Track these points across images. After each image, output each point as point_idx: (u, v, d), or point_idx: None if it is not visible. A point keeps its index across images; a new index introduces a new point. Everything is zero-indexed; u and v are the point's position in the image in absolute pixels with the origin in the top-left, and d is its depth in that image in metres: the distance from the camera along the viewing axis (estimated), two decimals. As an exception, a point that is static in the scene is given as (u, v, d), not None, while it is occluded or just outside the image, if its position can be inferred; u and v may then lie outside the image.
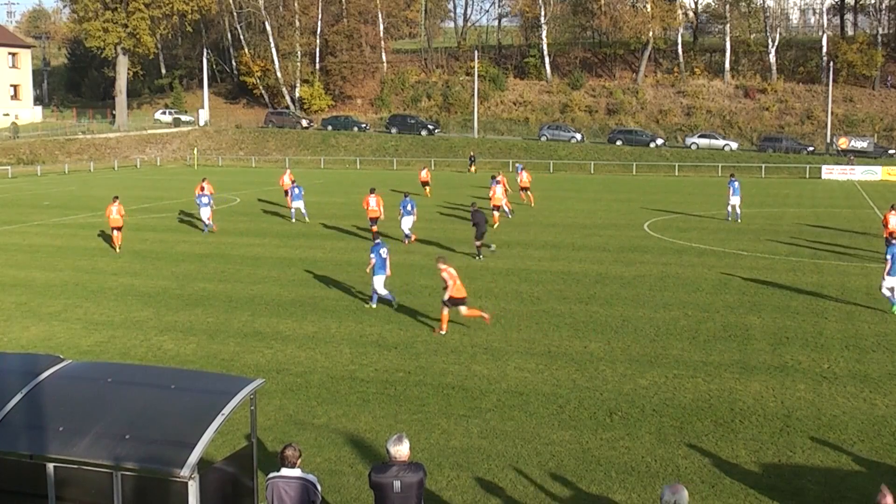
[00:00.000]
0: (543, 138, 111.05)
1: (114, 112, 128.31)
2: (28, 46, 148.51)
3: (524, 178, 63.57)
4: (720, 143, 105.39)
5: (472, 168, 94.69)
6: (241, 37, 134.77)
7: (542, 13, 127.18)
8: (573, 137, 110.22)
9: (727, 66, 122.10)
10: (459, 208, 59.50)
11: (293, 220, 53.60)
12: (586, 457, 17.60)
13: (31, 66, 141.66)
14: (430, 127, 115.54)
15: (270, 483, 12.02)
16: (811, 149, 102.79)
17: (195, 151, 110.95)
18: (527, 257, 40.31)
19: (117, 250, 43.22)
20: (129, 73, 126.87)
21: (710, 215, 55.56)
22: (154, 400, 12.55)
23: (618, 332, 27.04)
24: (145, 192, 70.74)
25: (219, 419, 11.80)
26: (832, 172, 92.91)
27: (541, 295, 32.39)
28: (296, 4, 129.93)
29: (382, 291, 30.53)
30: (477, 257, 40.50)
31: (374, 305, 30.65)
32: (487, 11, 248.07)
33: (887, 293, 30.30)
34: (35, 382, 12.98)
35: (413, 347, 25.62)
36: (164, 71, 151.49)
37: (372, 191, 47.14)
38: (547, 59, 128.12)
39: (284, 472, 11.99)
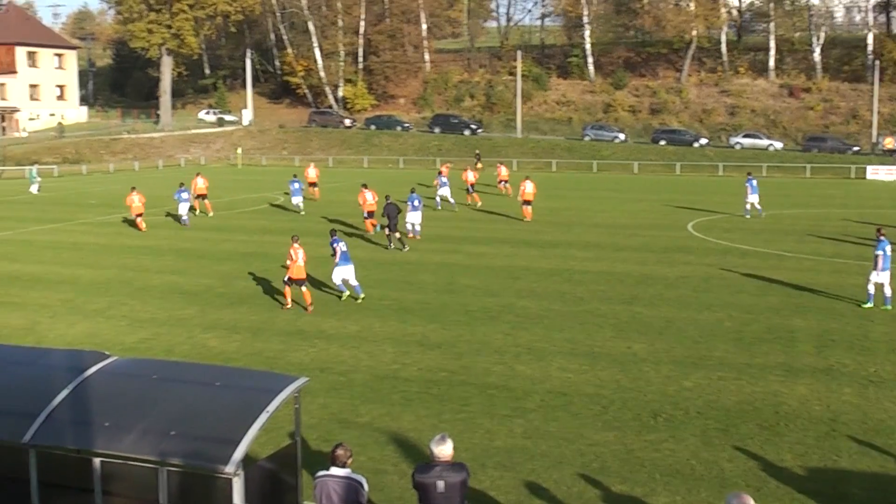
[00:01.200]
0: (587, 138, 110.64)
1: (158, 112, 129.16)
2: (74, 48, 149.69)
3: (503, 172, 68.14)
4: (764, 142, 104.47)
5: (479, 165, 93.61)
6: (285, 37, 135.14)
7: (585, 13, 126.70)
8: (616, 137, 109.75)
9: (771, 64, 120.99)
10: (465, 206, 59.44)
11: (301, 214, 57.31)
12: (630, 458, 17.54)
13: (76, 67, 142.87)
14: (473, 127, 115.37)
15: (319, 481, 12.03)
16: (856, 149, 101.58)
17: (239, 151, 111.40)
18: (570, 258, 40.21)
19: (143, 229, 49.51)
20: (173, 74, 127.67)
21: (753, 216, 55.17)
22: (199, 397, 12.65)
23: (661, 334, 26.93)
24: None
25: (263, 417, 11.87)
26: (878, 173, 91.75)
27: (584, 295, 32.31)
28: (339, 4, 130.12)
29: (338, 281, 31.95)
30: (388, 247, 43.27)
31: (361, 296, 31.58)
32: (530, 11, 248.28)
33: (871, 289, 30.64)
34: (81, 378, 13.13)
35: (456, 347, 25.62)
36: (207, 71, 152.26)
37: (364, 186, 49.00)
38: (590, 59, 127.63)
39: (334, 470, 12.01)
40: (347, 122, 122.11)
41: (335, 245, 31.92)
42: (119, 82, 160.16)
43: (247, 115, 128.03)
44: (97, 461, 12.02)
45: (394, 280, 35.28)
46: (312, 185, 66.13)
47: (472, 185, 62.58)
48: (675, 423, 19.35)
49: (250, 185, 77.41)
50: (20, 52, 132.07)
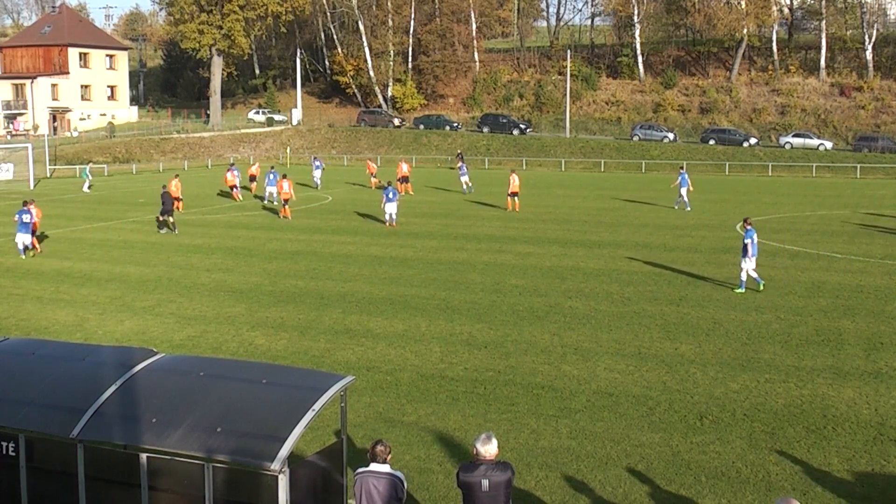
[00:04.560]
0: (636, 138, 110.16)
1: (208, 112, 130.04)
2: (125, 48, 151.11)
3: (403, 169, 69.83)
4: (814, 142, 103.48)
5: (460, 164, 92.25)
6: (335, 37, 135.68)
7: (636, 12, 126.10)
8: (666, 137, 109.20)
9: (822, 63, 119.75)
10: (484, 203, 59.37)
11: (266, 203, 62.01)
12: (676, 460, 17.47)
13: (127, 68, 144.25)
14: (522, 126, 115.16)
15: (359, 478, 12.06)
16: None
17: (288, 150, 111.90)
18: (618, 258, 40.07)
19: (181, 210, 55.02)
20: (223, 74, 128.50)
21: (803, 216, 54.83)
22: (245, 394, 12.70)
23: (709, 335, 26.79)
24: (247, 192, 71.48)
25: (309, 414, 11.90)
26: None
27: (631, 296, 32.21)
28: (389, 4, 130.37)
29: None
30: (160, 230, 48.95)
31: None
32: (580, 11, 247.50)
33: (754, 275, 32.77)
34: (129, 375, 13.25)
35: (503, 347, 25.62)
36: (257, 71, 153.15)
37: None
38: (640, 58, 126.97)
39: (374, 467, 12.03)
40: (396, 121, 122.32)
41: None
42: (170, 83, 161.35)
43: (296, 115, 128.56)
44: (144, 456, 12.12)
45: (442, 279, 35.32)
46: (404, 179, 68.62)
47: (406, 177, 69.16)
48: (722, 426, 19.24)
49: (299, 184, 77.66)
50: (72, 54, 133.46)
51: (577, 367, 23.57)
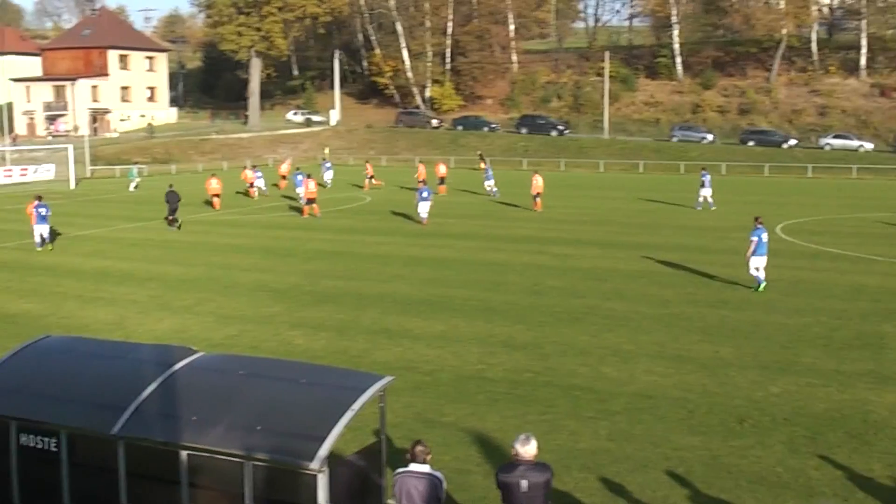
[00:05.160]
0: (674, 139, 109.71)
1: (247, 113, 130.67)
2: (164, 50, 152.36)
3: (441, 170, 72.93)
4: (854, 143, 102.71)
5: (482, 165, 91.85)
6: (373, 37, 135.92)
7: (674, 12, 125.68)
8: (704, 138, 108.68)
9: (863, 63, 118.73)
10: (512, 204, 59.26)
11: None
12: (715, 464, 17.35)
13: (167, 70, 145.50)
14: (560, 127, 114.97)
15: (399, 478, 12.05)
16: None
17: (326, 151, 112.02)
18: (656, 259, 39.90)
19: (217, 208, 58.51)
20: (261, 75, 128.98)
21: (843, 218, 54.47)
22: (285, 393, 12.74)
23: (748, 338, 26.60)
24: (276, 190, 71.75)
25: (348, 414, 11.91)
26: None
27: (671, 298, 32.05)
28: (427, 5, 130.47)
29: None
30: (171, 228, 50.35)
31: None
32: (618, 12, 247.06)
33: (754, 273, 33.30)
34: (169, 373, 13.33)
35: (542, 348, 25.56)
36: (296, 72, 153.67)
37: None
38: (678, 59, 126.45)
39: (413, 467, 12.03)
40: (434, 122, 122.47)
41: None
42: (208, 84, 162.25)
43: (334, 116, 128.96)
44: (184, 454, 12.17)
45: (481, 280, 35.30)
46: (441, 181, 70.69)
47: (443, 178, 71.51)
48: (762, 430, 19.08)
49: (337, 184, 77.82)
50: (112, 56, 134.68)
51: (616, 368, 23.49)
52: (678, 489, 16.23)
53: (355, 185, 77.48)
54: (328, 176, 77.54)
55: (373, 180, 76.42)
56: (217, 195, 61.43)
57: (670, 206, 61.90)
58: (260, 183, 69.43)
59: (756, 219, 34.52)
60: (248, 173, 70.31)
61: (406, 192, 69.22)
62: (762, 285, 33.16)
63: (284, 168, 75.40)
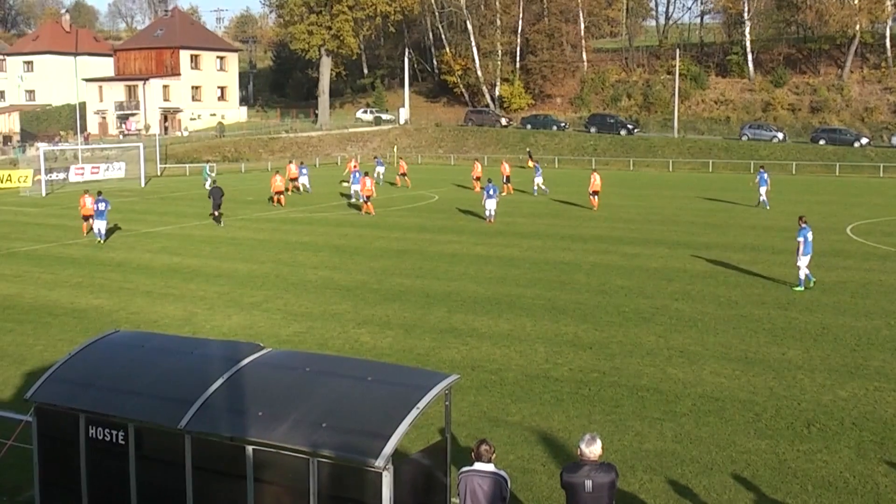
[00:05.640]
0: (744, 138, 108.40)
1: (316, 111, 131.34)
2: (235, 50, 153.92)
3: (506, 168, 71.32)
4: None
5: (530, 163, 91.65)
6: (443, 36, 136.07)
7: (746, 8, 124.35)
8: (775, 137, 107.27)
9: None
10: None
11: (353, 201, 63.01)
12: (782, 468, 17.16)
13: (237, 69, 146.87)
14: (630, 126, 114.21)
15: (464, 477, 12.06)
16: None
17: (395, 149, 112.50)
18: (725, 260, 39.56)
19: (283, 206, 60.86)
20: (331, 74, 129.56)
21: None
22: (351, 390, 12.78)
23: (817, 340, 26.29)
24: (346, 189, 72.07)
25: (414, 412, 11.93)
26: None
27: (738, 299, 31.78)
28: (497, 4, 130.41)
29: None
30: (217, 223, 51.85)
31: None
32: (690, 9, 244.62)
33: (804, 273, 33.35)
34: (236, 368, 13.45)
35: (608, 348, 25.48)
36: (366, 71, 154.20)
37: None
38: (750, 56, 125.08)
39: (478, 466, 12.03)
40: (504, 121, 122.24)
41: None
42: (279, 83, 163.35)
43: (404, 114, 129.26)
44: (250, 449, 12.26)
45: (548, 280, 35.24)
46: (507, 179, 69.85)
47: (508, 177, 70.10)
48: (829, 434, 18.84)
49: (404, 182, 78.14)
50: (184, 56, 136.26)
51: (683, 370, 23.34)
52: (744, 493, 16.10)
53: (462, 185, 77.54)
54: (380, 171, 78.58)
55: (405, 177, 76.95)
56: (281, 192, 63.19)
57: (739, 206, 61.33)
58: (304, 180, 70.39)
59: (800, 218, 34.51)
60: (292, 168, 72.26)
61: (472, 191, 69.13)
62: (812, 281, 33.45)
63: (352, 166, 75.50)
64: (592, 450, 11.80)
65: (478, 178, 71.66)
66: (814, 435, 18.81)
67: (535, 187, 68.62)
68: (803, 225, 33.60)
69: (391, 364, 19.38)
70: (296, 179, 71.77)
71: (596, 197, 59.06)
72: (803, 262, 33.19)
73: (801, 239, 33.14)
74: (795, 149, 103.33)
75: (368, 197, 56.95)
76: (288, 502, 12.33)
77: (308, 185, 71.18)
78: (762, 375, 22.80)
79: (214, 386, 13.13)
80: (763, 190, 60.73)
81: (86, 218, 48.10)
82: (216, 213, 52.72)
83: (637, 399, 21.00)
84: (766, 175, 61.66)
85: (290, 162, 75.00)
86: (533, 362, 24.13)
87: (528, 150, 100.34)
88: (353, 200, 62.32)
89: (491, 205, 52.49)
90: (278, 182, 63.19)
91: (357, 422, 12.04)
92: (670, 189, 74.78)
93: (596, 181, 59.28)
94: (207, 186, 74.90)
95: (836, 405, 20.57)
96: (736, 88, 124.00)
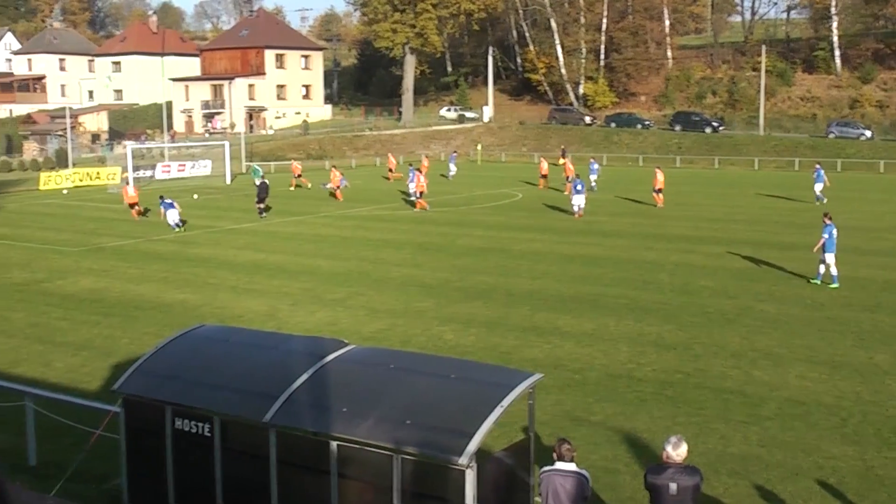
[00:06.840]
0: (831, 135, 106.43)
1: (400, 109, 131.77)
2: (319, 49, 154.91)
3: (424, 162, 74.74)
4: None
5: (562, 160, 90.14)
6: (527, 34, 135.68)
7: (833, 3, 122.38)
8: (862, 135, 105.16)
9: None
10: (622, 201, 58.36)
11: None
12: (869, 475, 16.86)
13: (322, 68, 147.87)
14: (715, 124, 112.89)
15: (545, 476, 12.08)
16: None
17: (479, 147, 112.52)
18: (810, 260, 38.89)
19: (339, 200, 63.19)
20: (415, 72, 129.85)
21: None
22: (434, 388, 12.86)
23: (906, 344, 25.92)
24: (432, 188, 72.19)
25: (497, 411, 11.95)
26: None
27: (824, 301, 31.32)
28: (581, 1, 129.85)
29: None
30: (262, 216, 54.22)
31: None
32: (776, 4, 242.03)
33: (833, 270, 33.41)
34: (320, 364, 13.58)
35: (692, 349, 25.30)
36: (449, 69, 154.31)
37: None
38: (837, 52, 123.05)
39: (560, 465, 12.05)
40: (587, 119, 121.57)
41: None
42: (363, 81, 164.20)
43: (487, 112, 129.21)
44: (334, 444, 12.36)
45: (631, 279, 35.06)
46: (659, 191, 65.40)
47: (546, 176, 73.03)
48: (919, 441, 18.57)
49: (489, 181, 78.20)
50: (269, 55, 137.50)
51: (768, 372, 23.08)
52: (830, 500, 15.87)
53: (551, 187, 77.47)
54: (451, 169, 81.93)
55: (545, 179, 75.34)
56: (338, 186, 65.61)
57: (825, 206, 60.46)
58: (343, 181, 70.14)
59: (825, 215, 34.63)
60: (336, 175, 71.11)
61: (556, 190, 68.93)
62: (834, 282, 33.44)
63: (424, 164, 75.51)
64: (679, 452, 11.77)
65: (544, 176, 72.59)
66: (902, 441, 18.50)
67: (592, 184, 68.21)
68: (828, 222, 33.71)
69: (474, 362, 19.42)
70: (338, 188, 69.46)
71: (660, 194, 58.96)
72: (830, 259, 33.31)
73: (825, 235, 33.38)
74: (884, 147, 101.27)
75: (421, 193, 58.19)
76: (371, 498, 12.42)
77: (347, 184, 70.29)
78: (849, 379, 22.46)
79: (299, 381, 13.28)
80: (818, 187, 61.21)
81: (131, 206, 54.39)
82: (260, 207, 54.48)
83: (721, 401, 20.82)
84: (822, 172, 62.29)
85: (333, 168, 72.73)
86: (616, 362, 24.05)
87: (562, 147, 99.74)
88: (412, 198, 62.19)
89: (578, 200, 53.21)
90: (337, 176, 66.19)
91: (441, 419, 12.10)
92: (755, 187, 73.86)
93: (659, 178, 59.07)
94: (258, 183, 75.81)
95: (926, 411, 20.22)
96: (822, 85, 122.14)
